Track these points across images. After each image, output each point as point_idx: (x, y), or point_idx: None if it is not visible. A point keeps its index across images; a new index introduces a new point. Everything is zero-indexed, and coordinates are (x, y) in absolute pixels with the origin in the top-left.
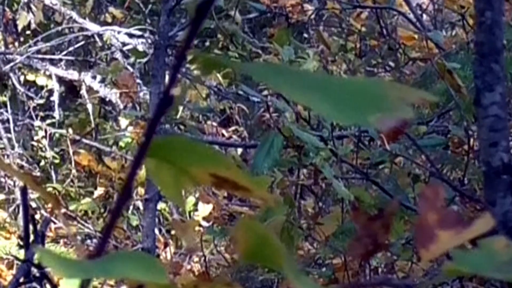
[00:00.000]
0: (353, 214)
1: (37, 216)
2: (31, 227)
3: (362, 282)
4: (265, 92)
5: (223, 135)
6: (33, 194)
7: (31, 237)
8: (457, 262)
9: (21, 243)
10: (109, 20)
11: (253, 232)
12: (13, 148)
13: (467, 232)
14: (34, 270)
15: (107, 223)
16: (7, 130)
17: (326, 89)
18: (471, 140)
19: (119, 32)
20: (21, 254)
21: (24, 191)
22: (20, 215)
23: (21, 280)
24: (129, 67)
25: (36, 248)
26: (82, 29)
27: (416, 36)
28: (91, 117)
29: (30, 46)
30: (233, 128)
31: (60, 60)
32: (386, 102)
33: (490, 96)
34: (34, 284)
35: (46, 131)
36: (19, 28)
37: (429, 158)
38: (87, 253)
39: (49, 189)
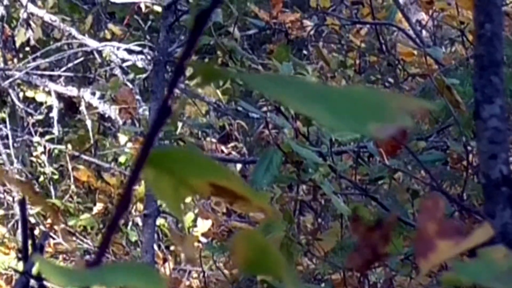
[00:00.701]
0: (353, 225)
1: (36, 232)
2: (29, 240)
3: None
4: (265, 109)
5: (222, 151)
6: (32, 210)
7: (30, 250)
8: (456, 271)
9: (20, 256)
10: (109, 36)
11: (253, 243)
12: (12, 163)
13: (466, 242)
14: (33, 283)
15: (105, 233)
16: (6, 146)
17: (325, 98)
18: (470, 155)
19: (118, 48)
20: (20, 266)
21: (22, 204)
22: (19, 230)
23: None
24: (128, 83)
25: (35, 256)
26: (81, 45)
27: (415, 52)
28: (90, 134)
29: (28, 62)
30: (232, 144)
31: (59, 76)
32: (386, 111)
33: (489, 108)
34: None
35: (45, 147)
36: (18, 44)
37: (429, 173)
38: (86, 263)
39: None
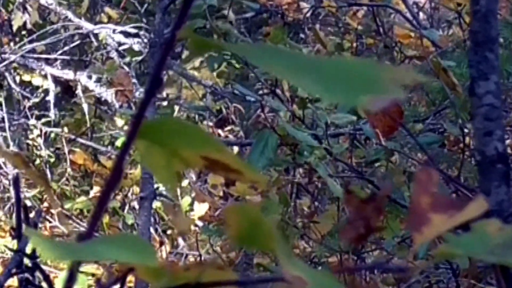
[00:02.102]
0: (346, 198)
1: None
2: (23, 217)
3: (357, 266)
4: (261, 93)
5: (219, 135)
6: (28, 193)
7: (24, 228)
8: (450, 244)
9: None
10: (105, 20)
11: (245, 216)
12: (8, 146)
13: (460, 215)
14: (27, 261)
15: (97, 205)
16: (2, 129)
17: (318, 70)
18: (467, 138)
19: (114, 31)
20: (14, 245)
21: (16, 181)
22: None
23: (13, 271)
24: (124, 67)
25: (28, 231)
26: (77, 28)
27: (412, 34)
28: (87, 117)
29: (24, 45)
30: (229, 128)
31: (56, 60)
32: (378, 83)
33: (484, 85)
34: (26, 275)
35: (41, 130)
36: (14, 28)
37: (427, 154)
38: (77, 237)
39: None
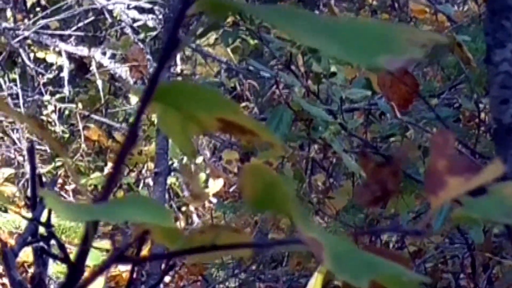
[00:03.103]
0: (362, 161)
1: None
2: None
3: (372, 229)
4: (276, 69)
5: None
6: (42, 169)
7: (39, 190)
8: (466, 208)
9: (28, 203)
10: None
11: (260, 178)
12: (22, 123)
13: (476, 178)
14: (42, 230)
15: (112, 168)
16: (17, 106)
17: (335, 31)
18: (482, 113)
19: (128, 6)
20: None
21: (31, 150)
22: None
23: (28, 239)
24: (139, 43)
25: (42, 192)
26: (92, 4)
27: (427, 9)
28: (101, 94)
29: (38, 21)
30: (243, 104)
31: (70, 36)
32: (395, 43)
33: (501, 53)
34: (41, 243)
35: (55, 106)
36: (28, 4)
37: (446, 125)
38: (92, 199)
39: (59, 163)
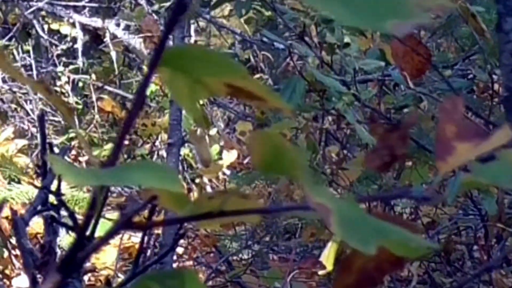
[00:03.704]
0: (371, 126)
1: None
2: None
3: (380, 195)
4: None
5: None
6: (55, 140)
7: (47, 156)
8: (475, 173)
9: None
10: None
11: (269, 142)
12: (36, 93)
13: (485, 144)
14: (52, 199)
15: (119, 133)
16: (30, 76)
17: None
18: (495, 84)
19: None
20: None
21: (41, 118)
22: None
23: (39, 208)
24: (153, 14)
25: (50, 157)
26: None
27: None
28: (115, 65)
29: None
30: (257, 76)
31: (84, 7)
32: (404, 8)
33: None
34: (51, 212)
35: (69, 78)
36: None
37: (458, 94)
38: (100, 163)
39: (72, 134)
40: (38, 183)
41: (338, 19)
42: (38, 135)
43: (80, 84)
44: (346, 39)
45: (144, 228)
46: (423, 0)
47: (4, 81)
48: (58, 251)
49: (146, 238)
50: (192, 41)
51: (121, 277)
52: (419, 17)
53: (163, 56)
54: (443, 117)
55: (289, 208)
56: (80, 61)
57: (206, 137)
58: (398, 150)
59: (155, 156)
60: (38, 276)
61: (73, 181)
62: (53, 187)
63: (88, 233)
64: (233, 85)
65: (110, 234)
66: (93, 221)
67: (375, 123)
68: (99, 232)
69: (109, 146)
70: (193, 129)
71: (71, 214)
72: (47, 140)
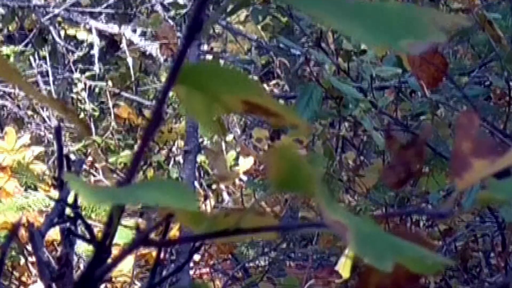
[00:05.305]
0: (387, 142)
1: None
2: (65, 167)
3: (394, 212)
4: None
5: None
6: (72, 147)
7: (63, 174)
8: (491, 190)
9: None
10: None
11: (286, 159)
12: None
13: (501, 161)
14: (69, 211)
15: (137, 149)
16: (47, 83)
17: (359, 13)
18: None
19: None
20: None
21: (58, 130)
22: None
23: (55, 220)
24: (169, 20)
25: (66, 175)
26: None
27: None
28: (131, 71)
29: None
30: (274, 82)
31: (100, 13)
32: (419, 27)
33: None
34: (68, 224)
35: (85, 84)
36: None
37: (472, 105)
38: (117, 182)
39: (89, 141)
40: (55, 193)
41: (353, 37)
42: (55, 146)
43: (97, 90)
44: (363, 46)
45: (159, 245)
46: (438, 19)
47: (20, 88)
48: (75, 258)
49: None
50: (209, 47)
51: (138, 285)
52: (435, 35)
53: (179, 73)
54: (459, 133)
55: (305, 226)
56: (96, 67)
57: (224, 150)
58: (413, 166)
59: (172, 163)
60: None
61: (88, 199)
62: (70, 198)
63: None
64: (249, 101)
65: (127, 251)
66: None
67: (391, 139)
68: (117, 239)
69: (125, 153)
70: (209, 148)
71: (88, 227)
72: (64, 149)
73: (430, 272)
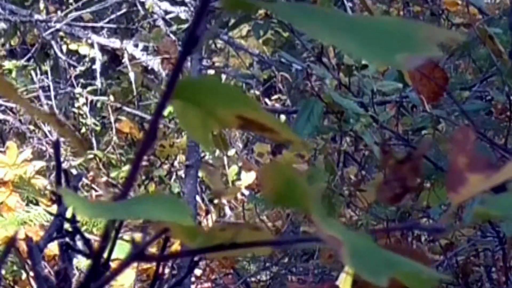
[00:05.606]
0: (382, 157)
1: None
2: (63, 181)
3: (391, 227)
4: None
5: (266, 103)
6: (73, 161)
7: (59, 189)
8: (488, 205)
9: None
10: None
11: (281, 175)
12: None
13: (497, 176)
14: (67, 225)
15: (132, 164)
16: (48, 98)
17: (354, 28)
18: None
19: None
20: (54, 209)
21: (56, 145)
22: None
23: (54, 235)
24: (171, 35)
25: (62, 190)
26: None
27: (459, 1)
28: (133, 86)
29: (71, 12)
30: (276, 96)
31: (102, 28)
32: (414, 41)
33: None
34: (66, 239)
35: (87, 99)
36: None
37: (472, 121)
38: (112, 197)
39: (90, 156)
40: (54, 207)
41: (347, 52)
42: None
43: (99, 104)
44: (364, 61)
45: (157, 260)
46: (433, 33)
47: (15, 102)
48: (76, 273)
49: (160, 268)
50: (210, 62)
51: None
52: (430, 50)
53: (175, 88)
54: (454, 148)
55: (300, 240)
56: (98, 82)
57: (225, 164)
58: (410, 182)
59: (173, 178)
60: None
61: (84, 214)
62: (68, 213)
63: (103, 260)
64: (245, 117)
65: (123, 266)
66: (107, 249)
67: (386, 154)
68: (117, 253)
69: (127, 167)
70: (204, 164)
71: (86, 241)
72: (65, 164)
73: (426, 287)
